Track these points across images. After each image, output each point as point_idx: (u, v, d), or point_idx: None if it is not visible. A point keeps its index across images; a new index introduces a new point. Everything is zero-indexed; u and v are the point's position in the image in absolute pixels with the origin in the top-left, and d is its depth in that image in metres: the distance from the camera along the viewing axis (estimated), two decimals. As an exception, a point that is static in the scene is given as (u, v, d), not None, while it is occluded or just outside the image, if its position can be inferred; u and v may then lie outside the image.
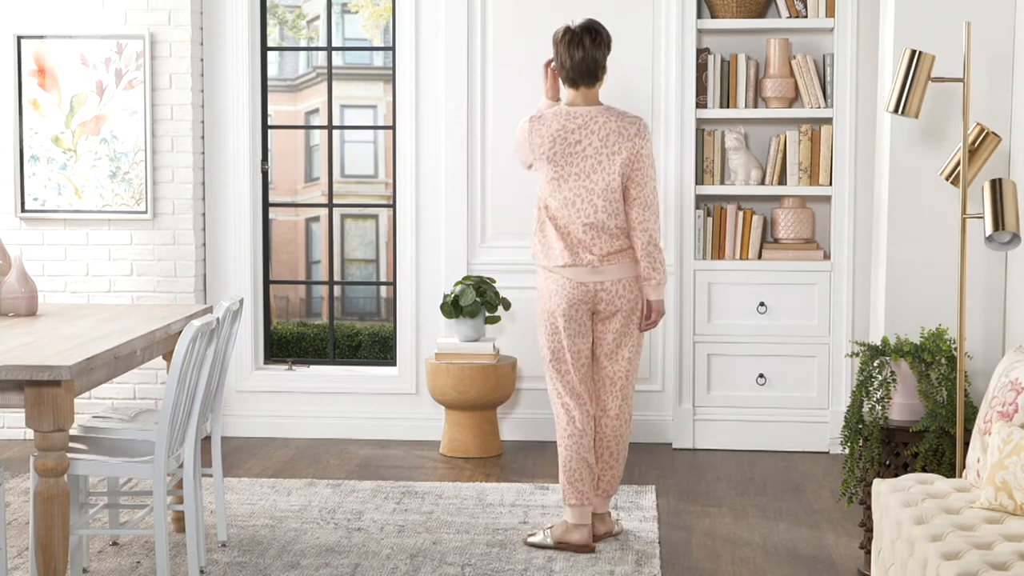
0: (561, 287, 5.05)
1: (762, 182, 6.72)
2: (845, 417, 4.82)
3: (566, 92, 5.11)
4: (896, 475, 4.76)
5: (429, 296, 6.96)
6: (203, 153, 6.98)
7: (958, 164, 4.76)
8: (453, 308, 6.52)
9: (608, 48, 5.08)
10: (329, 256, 7.46)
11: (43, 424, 4.04)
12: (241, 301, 4.98)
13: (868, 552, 4.74)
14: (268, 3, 7.05)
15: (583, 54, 5.00)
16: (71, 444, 4.45)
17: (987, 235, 4.49)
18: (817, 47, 6.75)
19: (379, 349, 7.56)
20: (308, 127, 8.26)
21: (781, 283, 6.69)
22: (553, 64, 5.16)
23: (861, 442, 4.79)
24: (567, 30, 5.06)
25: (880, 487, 4.21)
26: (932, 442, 4.65)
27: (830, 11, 6.61)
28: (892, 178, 5.24)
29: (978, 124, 4.77)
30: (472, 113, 6.87)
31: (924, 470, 4.68)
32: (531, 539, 5.14)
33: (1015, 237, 4.48)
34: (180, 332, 5.01)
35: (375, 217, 8.38)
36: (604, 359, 5.14)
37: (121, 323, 4.92)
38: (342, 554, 4.99)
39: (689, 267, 6.69)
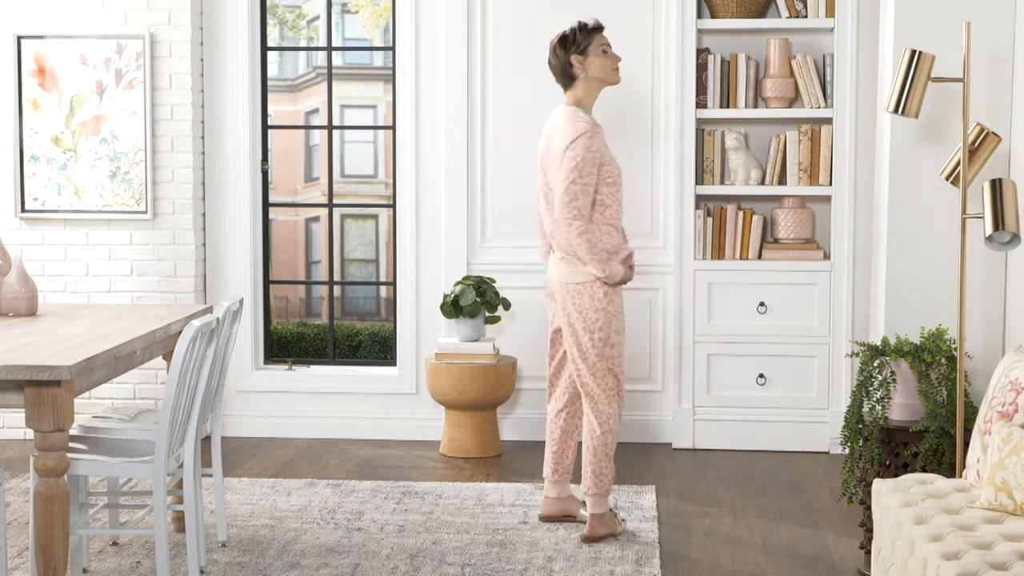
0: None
1: (762, 182, 6.72)
2: (845, 417, 4.82)
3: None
4: (896, 475, 4.76)
5: (429, 296, 6.96)
6: (203, 153, 6.98)
7: (958, 164, 4.75)
8: (453, 308, 6.52)
9: (575, 47, 5.18)
10: (329, 256, 7.45)
11: (43, 424, 4.04)
12: (241, 301, 4.98)
13: (868, 552, 4.74)
14: (268, 3, 7.05)
15: (556, 61, 5.25)
16: (71, 444, 4.45)
17: (987, 235, 4.49)
18: (817, 47, 6.75)
19: (379, 349, 7.56)
20: (308, 127, 8.25)
21: (781, 283, 6.69)
22: None
23: (861, 442, 4.79)
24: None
25: (880, 487, 4.21)
26: (932, 442, 4.64)
27: (830, 11, 6.61)
28: (892, 178, 5.24)
29: (978, 124, 4.77)
30: (472, 113, 6.87)
31: (924, 470, 4.68)
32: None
33: (1015, 237, 4.48)
34: (180, 332, 5.01)
35: (375, 217, 8.37)
36: None
37: (121, 323, 4.92)
38: (342, 554, 4.99)
39: (689, 267, 6.69)
